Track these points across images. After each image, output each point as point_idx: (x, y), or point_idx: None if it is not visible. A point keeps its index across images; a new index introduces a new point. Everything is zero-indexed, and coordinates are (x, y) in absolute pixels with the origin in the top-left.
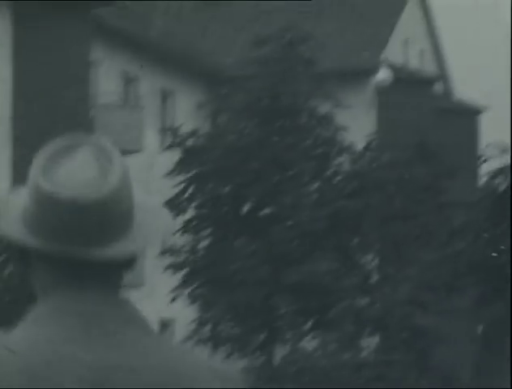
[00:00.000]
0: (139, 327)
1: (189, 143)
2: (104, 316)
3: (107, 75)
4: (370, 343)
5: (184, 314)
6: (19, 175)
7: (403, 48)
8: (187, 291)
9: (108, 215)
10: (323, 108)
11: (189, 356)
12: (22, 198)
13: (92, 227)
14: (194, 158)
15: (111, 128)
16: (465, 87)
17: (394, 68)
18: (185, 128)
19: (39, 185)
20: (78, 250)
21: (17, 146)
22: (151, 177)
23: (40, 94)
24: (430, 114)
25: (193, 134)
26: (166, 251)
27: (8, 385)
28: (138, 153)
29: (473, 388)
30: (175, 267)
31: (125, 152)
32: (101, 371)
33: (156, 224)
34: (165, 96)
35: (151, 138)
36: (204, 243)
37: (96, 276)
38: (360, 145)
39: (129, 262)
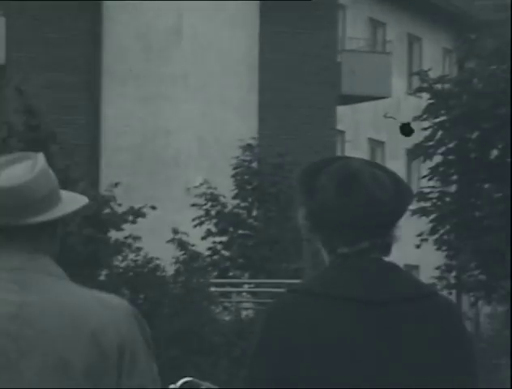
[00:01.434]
0: (52, 277)
1: (438, 88)
2: (25, 268)
3: (354, 21)
4: None
5: (429, 261)
6: (266, 117)
7: None
8: (433, 237)
9: (23, 199)
10: None
11: (92, 296)
12: None
13: (11, 205)
14: (442, 103)
15: (358, 73)
16: None
17: None
18: (433, 73)
19: None
20: (2, 220)
21: (263, 91)
22: (397, 122)
23: (285, 40)
24: None
25: (441, 79)
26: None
27: None
28: (386, 98)
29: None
30: (422, 212)
31: (373, 98)
32: (14, 309)
33: (78, 201)
34: (412, 42)
35: (399, 83)
36: (451, 189)
37: (21, 240)
38: None
39: (52, 227)
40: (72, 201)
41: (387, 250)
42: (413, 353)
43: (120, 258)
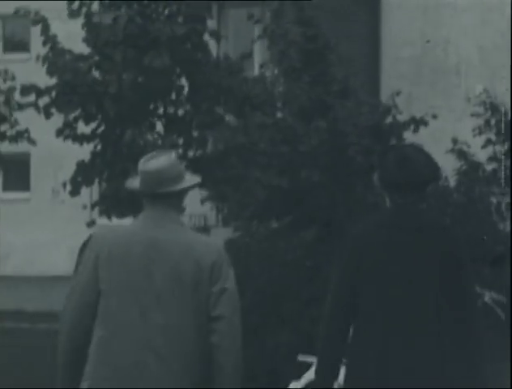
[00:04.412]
0: (176, 224)
1: None
2: (161, 219)
3: None
4: None
5: None
6: None
7: None
8: None
9: (161, 177)
10: None
11: (198, 237)
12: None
13: (155, 181)
14: None
15: None
16: None
17: None
18: None
19: (139, 167)
20: (150, 189)
21: None
22: None
23: None
24: None
25: None
26: None
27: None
28: None
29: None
30: None
31: None
32: (152, 240)
33: (193, 180)
34: None
35: None
36: None
37: (162, 201)
38: None
39: (179, 195)
40: (190, 180)
41: (424, 200)
42: (430, 262)
43: None
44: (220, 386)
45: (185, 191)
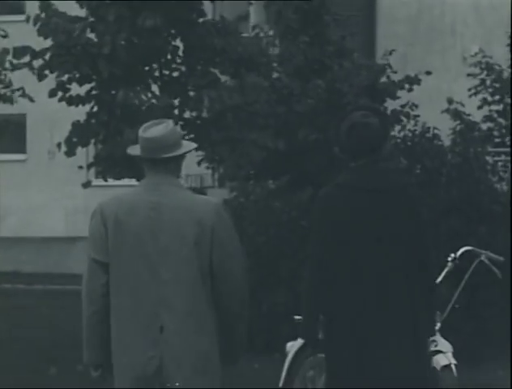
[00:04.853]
0: (176, 187)
1: None
2: (162, 183)
3: None
4: None
5: None
6: None
7: None
8: None
9: (160, 144)
10: None
11: (198, 198)
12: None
13: (155, 147)
14: None
15: None
16: None
17: None
18: None
19: (140, 134)
20: (150, 155)
21: None
22: None
23: None
24: None
25: None
26: None
27: (112, 211)
28: None
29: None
30: None
31: None
32: (155, 203)
33: (190, 146)
34: None
35: None
36: None
37: (162, 166)
38: None
39: (177, 160)
40: (187, 146)
41: (378, 161)
42: (392, 220)
43: (398, 127)
44: (228, 328)
45: (182, 157)
